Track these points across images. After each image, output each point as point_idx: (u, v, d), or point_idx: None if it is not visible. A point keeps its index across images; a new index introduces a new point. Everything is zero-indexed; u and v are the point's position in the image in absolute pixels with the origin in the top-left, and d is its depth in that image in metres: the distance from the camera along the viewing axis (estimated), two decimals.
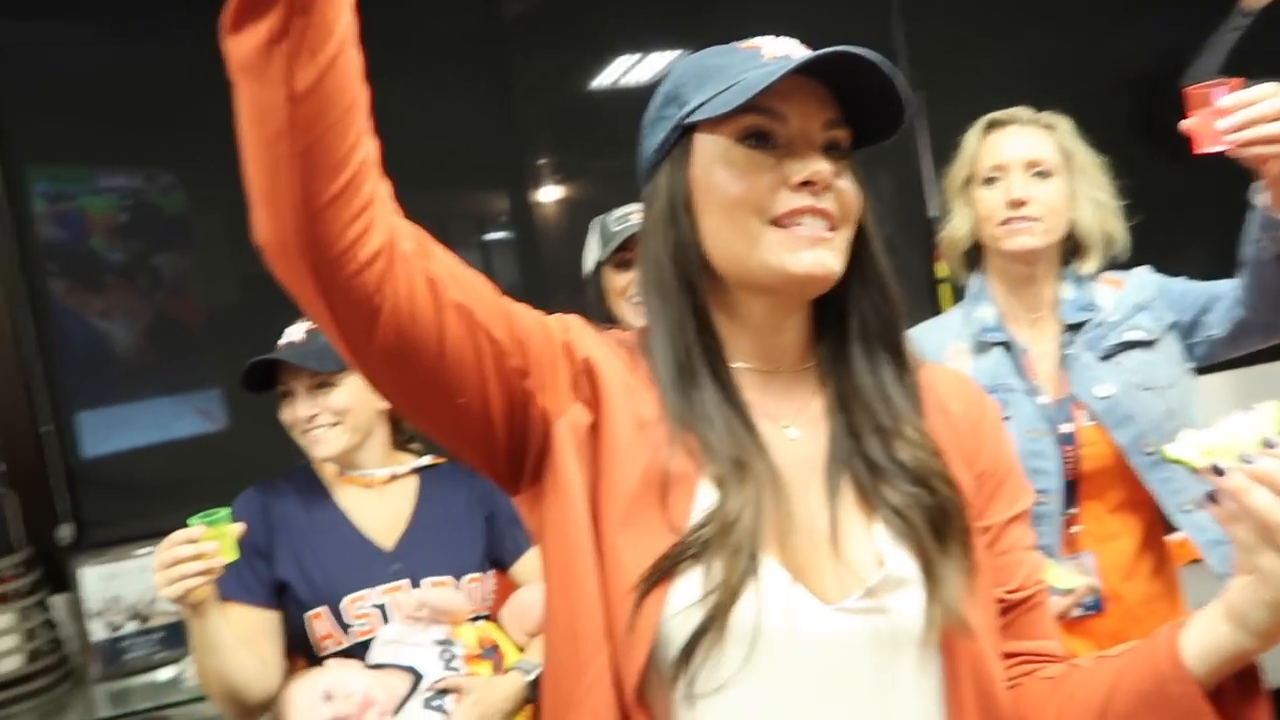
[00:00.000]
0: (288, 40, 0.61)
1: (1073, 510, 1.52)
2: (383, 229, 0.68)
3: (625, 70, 2.82)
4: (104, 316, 2.38)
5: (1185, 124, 1.27)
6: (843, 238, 0.81)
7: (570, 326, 0.83)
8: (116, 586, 2.14)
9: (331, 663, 1.50)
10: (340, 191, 0.64)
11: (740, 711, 0.75)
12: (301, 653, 1.55)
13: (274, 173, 0.64)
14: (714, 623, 0.73)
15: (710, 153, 0.81)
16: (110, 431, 2.33)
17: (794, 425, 0.84)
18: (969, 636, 0.78)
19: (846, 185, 0.81)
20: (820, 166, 0.79)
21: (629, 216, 1.82)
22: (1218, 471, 0.68)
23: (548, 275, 2.74)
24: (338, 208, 0.65)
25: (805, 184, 0.78)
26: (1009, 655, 0.86)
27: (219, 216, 2.48)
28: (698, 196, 0.82)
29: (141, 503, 2.26)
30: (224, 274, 2.49)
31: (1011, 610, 0.86)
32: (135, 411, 2.36)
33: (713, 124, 0.81)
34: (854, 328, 0.85)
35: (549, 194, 2.90)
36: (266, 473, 1.65)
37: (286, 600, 1.53)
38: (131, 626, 2.14)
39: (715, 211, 0.81)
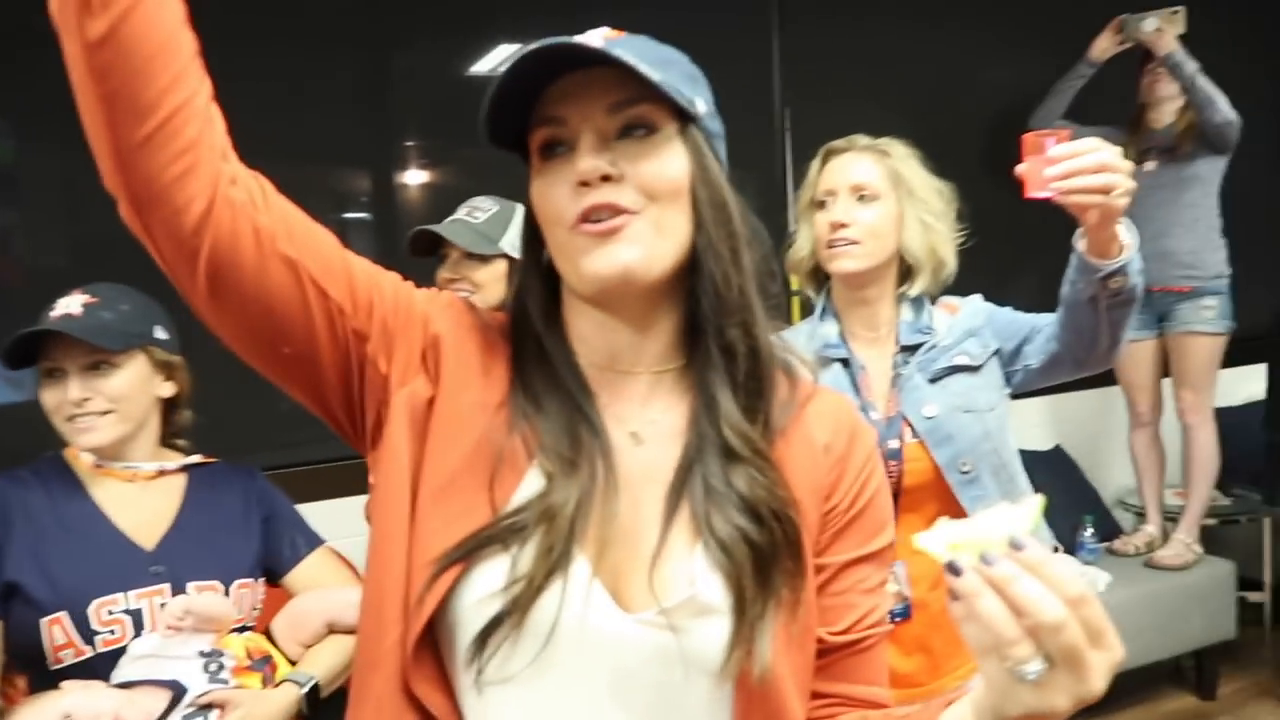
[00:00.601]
0: None
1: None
2: (206, 174, 0.69)
3: (505, 59, 2.77)
4: None
5: (1018, 169, 1.32)
6: (646, 221, 0.76)
7: (438, 301, 0.83)
8: None
9: (69, 684, 1.30)
10: (151, 134, 0.67)
11: (525, 704, 0.74)
12: (28, 668, 1.36)
13: (89, 117, 0.67)
14: (511, 615, 0.72)
15: (532, 172, 0.81)
16: None
17: (646, 432, 0.82)
18: (768, 679, 0.75)
19: (644, 167, 0.77)
20: (583, 165, 0.76)
21: (457, 211, 1.80)
22: (954, 570, 0.62)
23: (404, 257, 2.67)
24: (150, 150, 0.67)
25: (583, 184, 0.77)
26: (823, 695, 0.83)
27: (53, 169, 2.31)
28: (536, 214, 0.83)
29: None
30: (52, 233, 2.32)
31: (834, 652, 0.83)
32: None
33: (530, 143, 0.81)
34: (705, 326, 0.81)
35: (415, 177, 2.83)
36: None
37: (14, 606, 1.34)
38: None
39: (544, 229, 0.81)
